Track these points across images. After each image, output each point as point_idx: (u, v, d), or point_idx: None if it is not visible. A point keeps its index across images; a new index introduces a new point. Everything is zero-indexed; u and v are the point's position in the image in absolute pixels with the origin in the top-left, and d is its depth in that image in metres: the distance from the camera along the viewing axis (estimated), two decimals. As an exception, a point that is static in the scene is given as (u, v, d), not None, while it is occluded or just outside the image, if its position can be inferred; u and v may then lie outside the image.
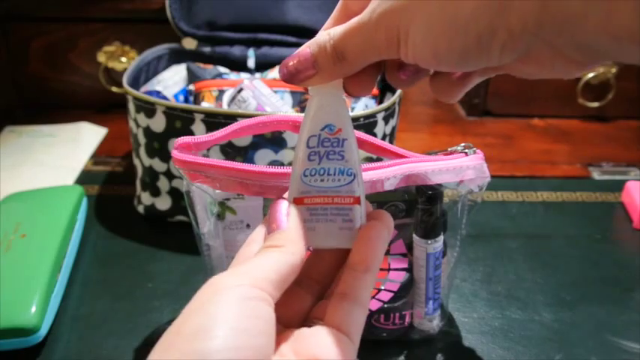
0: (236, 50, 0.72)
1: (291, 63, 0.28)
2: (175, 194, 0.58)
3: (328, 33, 0.27)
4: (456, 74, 0.29)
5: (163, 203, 0.59)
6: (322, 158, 0.29)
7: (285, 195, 0.31)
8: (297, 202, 0.30)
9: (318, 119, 0.29)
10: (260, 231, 0.30)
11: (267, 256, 0.27)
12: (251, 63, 0.72)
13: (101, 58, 0.82)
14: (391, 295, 0.44)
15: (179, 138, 0.39)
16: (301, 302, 0.31)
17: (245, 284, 0.25)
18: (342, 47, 0.27)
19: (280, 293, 0.27)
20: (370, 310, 0.44)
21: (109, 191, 0.67)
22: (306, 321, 0.30)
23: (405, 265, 0.44)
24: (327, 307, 0.29)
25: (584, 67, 0.25)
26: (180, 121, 0.54)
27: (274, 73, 0.69)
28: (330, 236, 0.30)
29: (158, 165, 0.57)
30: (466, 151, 0.40)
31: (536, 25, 0.22)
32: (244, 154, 0.52)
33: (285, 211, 0.29)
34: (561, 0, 0.22)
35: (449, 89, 0.30)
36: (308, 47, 0.28)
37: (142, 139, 0.57)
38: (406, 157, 0.40)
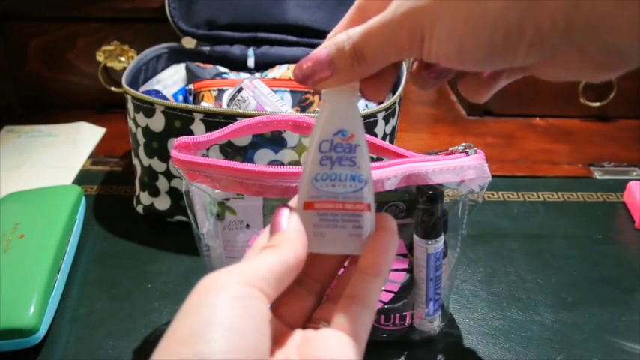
0: (236, 49, 0.72)
1: (305, 65, 0.28)
2: (174, 194, 0.57)
3: (346, 33, 0.27)
4: (485, 73, 0.29)
5: (162, 203, 0.58)
6: (334, 164, 0.29)
7: (293, 201, 0.31)
8: (307, 206, 0.30)
9: (331, 124, 0.29)
10: (264, 236, 0.31)
11: (261, 255, 0.27)
12: (251, 62, 0.72)
13: (100, 57, 0.82)
14: (392, 295, 0.44)
15: (178, 138, 0.38)
16: (303, 301, 0.31)
17: (236, 282, 0.25)
18: (361, 47, 0.26)
19: (276, 292, 0.27)
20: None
21: (108, 191, 0.67)
22: (310, 321, 0.30)
23: (406, 266, 0.43)
24: (335, 309, 0.29)
25: (612, 71, 0.25)
26: (179, 120, 0.53)
27: (274, 72, 0.69)
28: (339, 242, 0.30)
29: (157, 165, 0.56)
30: (467, 151, 0.40)
31: (565, 23, 0.22)
32: (244, 154, 0.52)
33: (287, 215, 0.29)
34: (592, 0, 0.21)
35: (478, 89, 0.30)
36: (325, 48, 0.28)
37: (141, 139, 0.57)
38: (406, 157, 0.40)
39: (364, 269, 0.29)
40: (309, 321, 0.30)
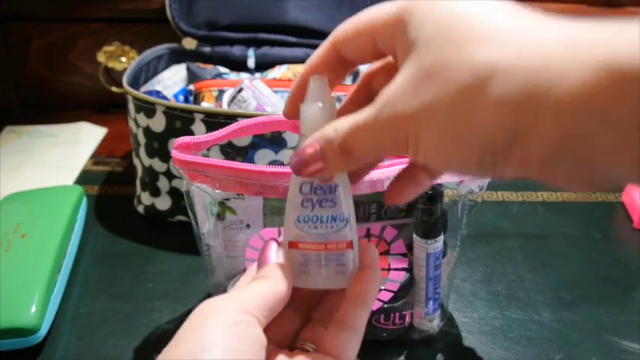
0: (236, 50, 0.72)
1: (299, 157, 0.28)
2: (175, 194, 0.58)
3: (335, 128, 0.27)
4: None
5: (163, 203, 0.58)
6: (315, 205, 0.30)
7: (281, 237, 0.32)
8: (292, 245, 0.31)
9: None
10: (252, 271, 0.33)
11: (254, 285, 0.29)
12: (251, 63, 0.72)
13: (101, 58, 0.82)
14: (391, 295, 0.44)
15: (179, 138, 0.39)
16: (290, 322, 0.32)
17: (232, 310, 0.27)
18: (348, 145, 0.27)
19: (267, 320, 0.28)
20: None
21: (109, 191, 0.67)
22: (296, 341, 0.31)
23: (405, 265, 0.43)
24: (326, 335, 0.30)
25: (594, 187, 0.24)
26: (180, 121, 0.54)
27: (274, 72, 0.69)
28: (324, 279, 0.31)
29: (158, 165, 0.57)
30: (466, 151, 0.40)
31: (555, 156, 0.21)
32: (244, 154, 0.52)
33: (274, 250, 0.31)
34: (587, 138, 0.20)
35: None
36: (317, 141, 0.28)
37: (141, 139, 0.57)
38: (406, 157, 0.40)
39: (353, 299, 0.31)
40: (295, 341, 0.32)
